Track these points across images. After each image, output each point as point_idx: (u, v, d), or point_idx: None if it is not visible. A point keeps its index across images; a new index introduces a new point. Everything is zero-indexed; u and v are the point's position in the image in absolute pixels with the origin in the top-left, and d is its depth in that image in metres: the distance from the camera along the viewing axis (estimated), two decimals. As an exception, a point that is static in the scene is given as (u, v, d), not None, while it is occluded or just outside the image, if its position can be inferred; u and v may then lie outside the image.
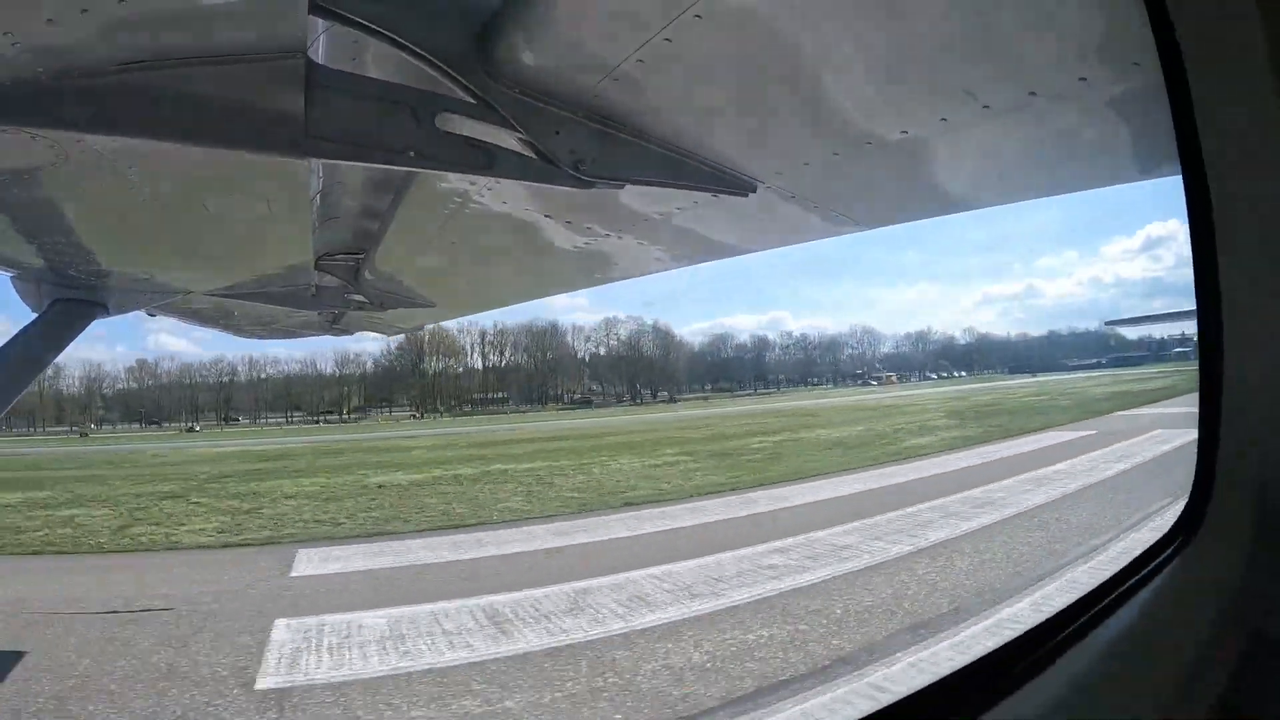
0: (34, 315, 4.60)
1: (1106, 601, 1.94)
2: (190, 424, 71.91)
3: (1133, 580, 2.01)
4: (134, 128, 2.48)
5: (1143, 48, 2.03)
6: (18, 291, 4.69)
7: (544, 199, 3.67)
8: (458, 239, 4.42)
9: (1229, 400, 1.88)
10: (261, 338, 8.03)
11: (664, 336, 71.11)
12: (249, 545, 15.09)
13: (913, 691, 1.73)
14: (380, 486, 22.68)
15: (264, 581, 11.88)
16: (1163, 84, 1.86)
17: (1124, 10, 2.07)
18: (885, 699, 1.67)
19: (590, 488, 21.16)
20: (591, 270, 5.04)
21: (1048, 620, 1.93)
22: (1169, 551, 2.03)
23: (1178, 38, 1.76)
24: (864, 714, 1.72)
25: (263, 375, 74.76)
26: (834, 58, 2.60)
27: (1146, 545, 2.11)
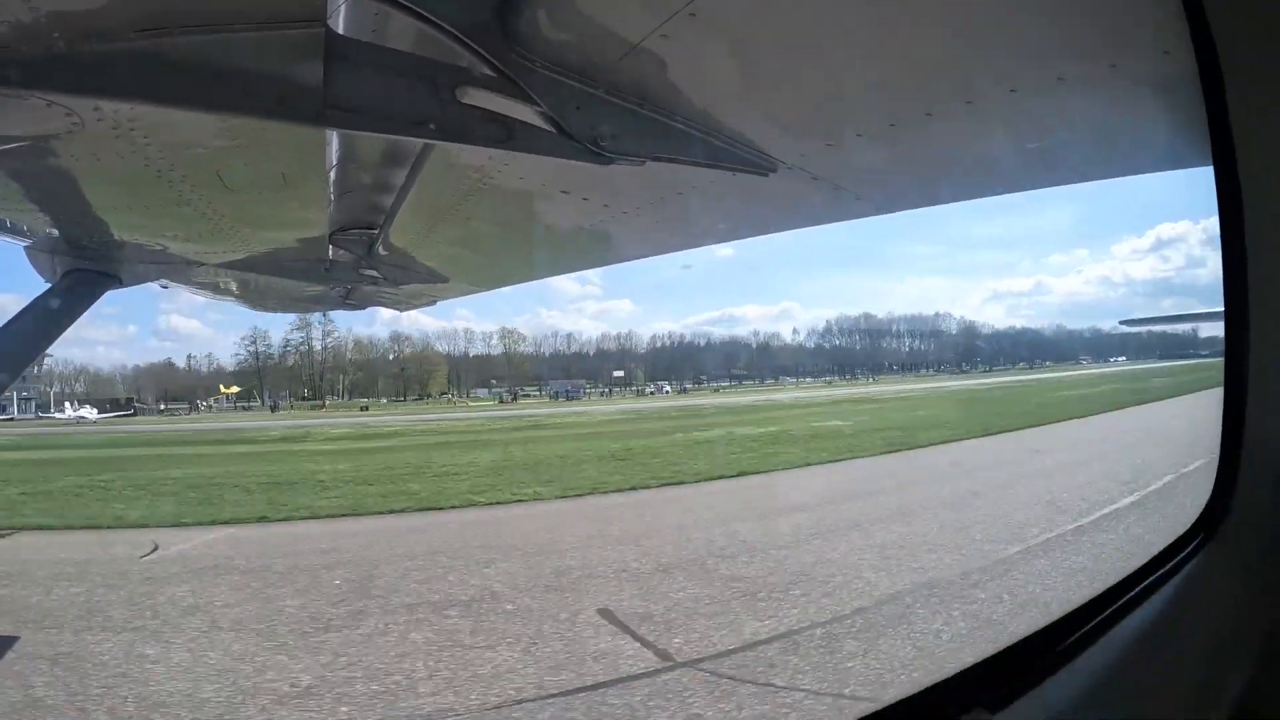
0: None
1: (1129, 596, 1.93)
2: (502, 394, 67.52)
3: (1155, 575, 1.99)
4: (151, 94, 2.45)
5: (1175, 36, 1.98)
6: (31, 262, 4.70)
7: (562, 175, 3.62)
8: (473, 215, 4.38)
9: (1254, 399, 1.85)
10: (273, 310, 8.02)
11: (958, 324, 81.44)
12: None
13: (936, 682, 1.72)
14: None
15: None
16: (1193, 73, 1.82)
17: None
18: (907, 690, 1.65)
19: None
20: (608, 248, 5.00)
21: (1070, 614, 1.91)
22: (1191, 547, 2.01)
23: (1211, 28, 1.71)
24: (887, 704, 1.70)
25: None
26: (861, 38, 2.55)
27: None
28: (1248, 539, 1.91)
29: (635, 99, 2.90)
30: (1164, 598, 1.91)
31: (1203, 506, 2.02)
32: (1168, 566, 2.00)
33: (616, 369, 70.49)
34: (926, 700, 1.73)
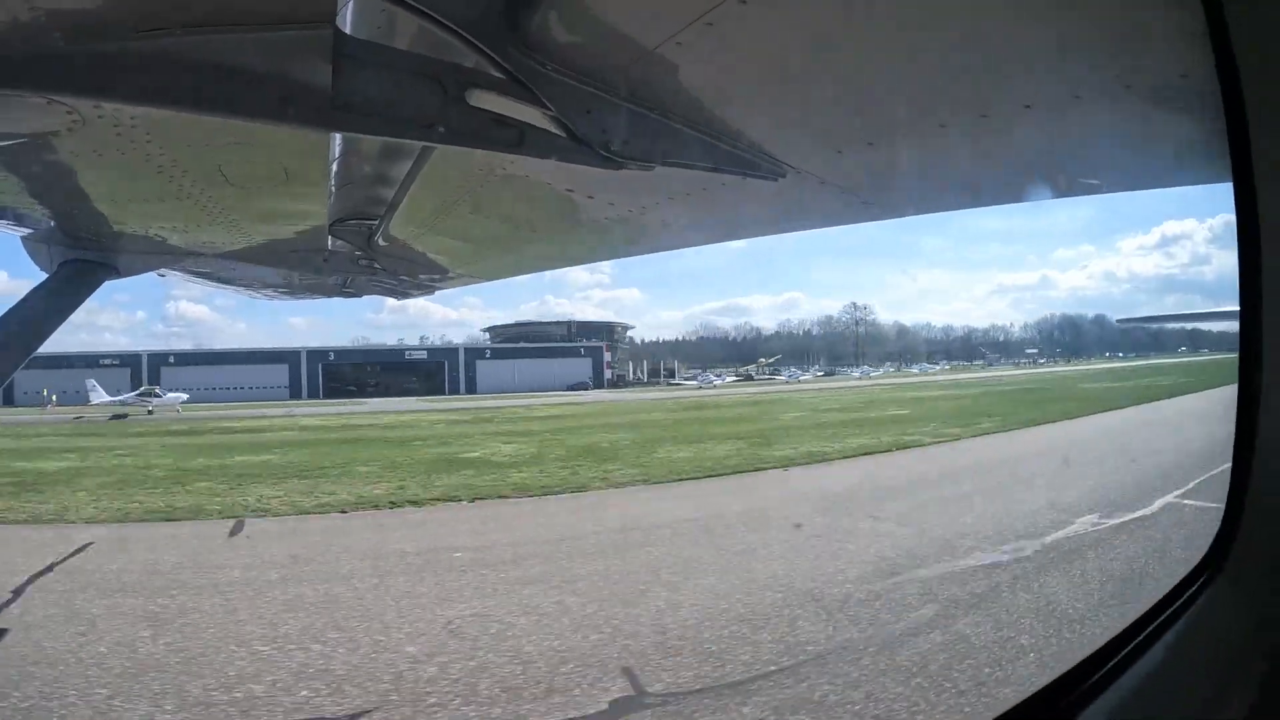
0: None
1: (1138, 641, 1.92)
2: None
3: (1162, 617, 1.98)
4: (154, 96, 2.38)
5: (1193, 56, 1.95)
6: (28, 251, 4.62)
7: (569, 173, 3.57)
8: (476, 208, 4.33)
9: (1265, 429, 1.84)
10: (270, 297, 7.96)
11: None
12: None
13: None
14: None
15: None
16: (1207, 93, 1.79)
17: (1175, 19, 2.00)
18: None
19: None
20: (610, 244, 4.97)
21: (1083, 661, 1.91)
22: (1198, 585, 2.00)
23: (1233, 47, 1.69)
24: None
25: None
26: (876, 50, 2.51)
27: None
28: (1253, 577, 1.89)
29: (646, 104, 2.85)
30: (1169, 643, 1.90)
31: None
32: (1176, 605, 1.99)
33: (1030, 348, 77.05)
34: None
